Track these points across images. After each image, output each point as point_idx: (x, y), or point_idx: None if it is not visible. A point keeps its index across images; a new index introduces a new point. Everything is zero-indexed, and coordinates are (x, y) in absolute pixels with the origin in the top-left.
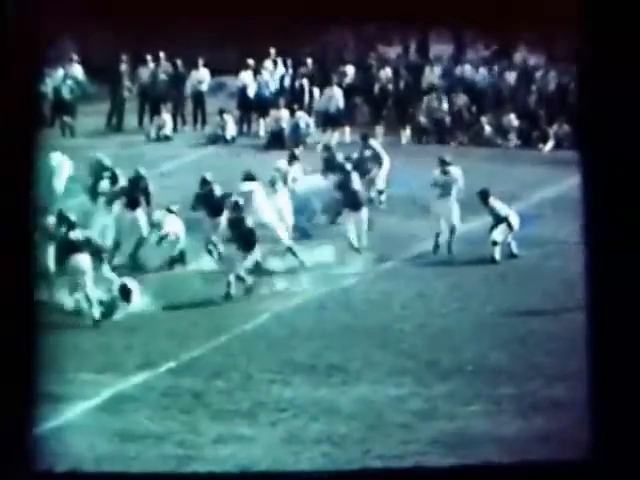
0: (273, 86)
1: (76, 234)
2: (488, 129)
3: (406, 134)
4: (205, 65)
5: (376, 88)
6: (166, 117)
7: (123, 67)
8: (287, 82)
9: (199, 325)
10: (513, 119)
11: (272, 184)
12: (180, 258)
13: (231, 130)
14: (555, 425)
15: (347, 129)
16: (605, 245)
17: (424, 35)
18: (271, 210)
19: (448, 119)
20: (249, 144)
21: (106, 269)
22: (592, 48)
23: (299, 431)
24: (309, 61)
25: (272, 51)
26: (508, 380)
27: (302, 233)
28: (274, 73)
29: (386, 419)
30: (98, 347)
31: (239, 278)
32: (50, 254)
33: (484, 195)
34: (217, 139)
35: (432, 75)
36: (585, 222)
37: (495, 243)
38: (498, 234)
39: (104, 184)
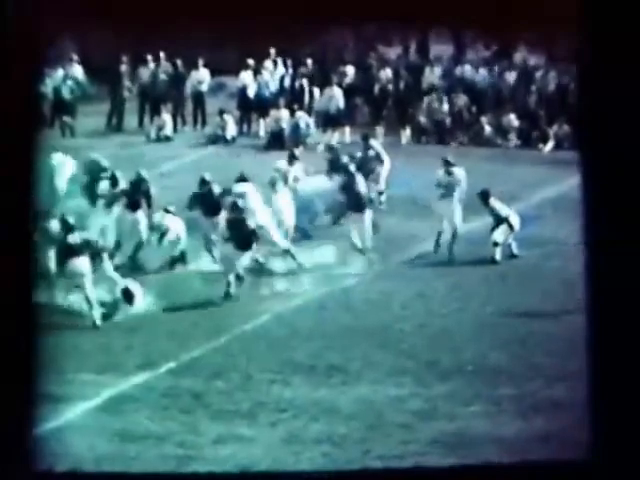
0: (273, 86)
1: (74, 237)
2: (488, 129)
3: (406, 134)
4: (205, 65)
5: (376, 88)
6: (166, 117)
7: (123, 67)
8: (287, 82)
9: (199, 325)
10: (513, 119)
11: (272, 184)
12: (181, 258)
13: (231, 130)
14: (555, 425)
15: (347, 129)
16: (605, 245)
17: (424, 35)
18: (266, 212)
19: (448, 119)
20: (249, 144)
21: (109, 269)
22: (592, 48)
23: (299, 431)
24: (309, 61)
25: (272, 51)
26: (508, 380)
27: (303, 234)
28: (274, 73)
29: (386, 419)
30: (98, 347)
31: (238, 277)
32: (51, 255)
33: (485, 196)
34: (217, 139)
35: (432, 75)
36: (585, 222)
37: (496, 244)
38: (499, 235)
39: (103, 185)
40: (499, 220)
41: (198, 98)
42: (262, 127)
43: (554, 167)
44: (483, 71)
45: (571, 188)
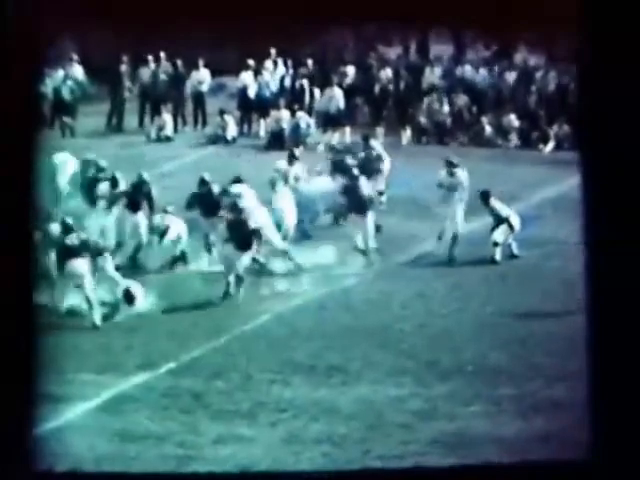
0: (273, 86)
1: (72, 238)
2: (488, 129)
3: (406, 135)
4: (205, 65)
5: (376, 88)
6: (166, 117)
7: (123, 67)
8: (287, 82)
9: (199, 325)
10: (513, 119)
11: (272, 185)
12: (182, 257)
13: (231, 130)
14: (555, 425)
15: (347, 129)
16: (605, 245)
17: (424, 35)
18: (263, 213)
19: (449, 120)
20: (249, 144)
21: (110, 269)
22: (592, 48)
23: (299, 431)
24: (309, 61)
25: (272, 51)
26: (508, 380)
27: (303, 234)
28: (274, 73)
29: (386, 419)
30: (98, 348)
31: (238, 278)
32: (51, 256)
33: (485, 196)
34: (217, 139)
35: (432, 75)
36: (585, 222)
37: (496, 244)
38: (499, 235)
39: (104, 187)
40: (499, 220)
41: (198, 98)
42: (262, 127)
43: (554, 167)
44: (483, 71)
45: (571, 188)
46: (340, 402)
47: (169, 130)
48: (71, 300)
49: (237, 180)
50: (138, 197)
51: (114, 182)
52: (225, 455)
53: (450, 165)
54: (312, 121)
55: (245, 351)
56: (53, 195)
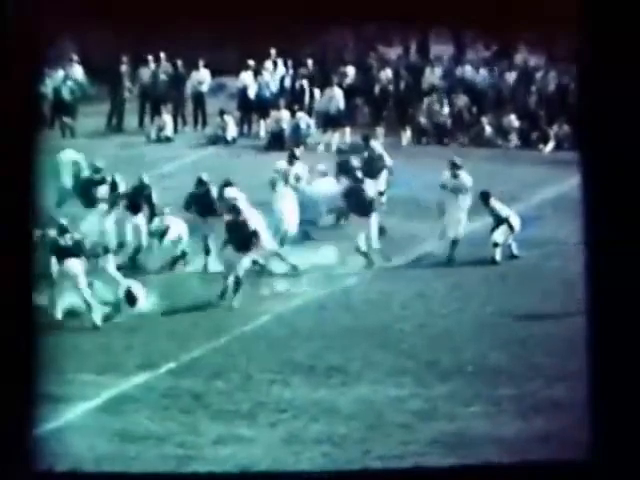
0: (273, 87)
1: (66, 238)
2: (488, 130)
3: (406, 135)
4: (205, 66)
5: (376, 89)
6: (166, 118)
7: (123, 67)
8: (287, 83)
9: (199, 326)
10: (514, 120)
11: (272, 185)
12: (182, 257)
13: (232, 131)
14: (555, 425)
15: (347, 130)
16: (605, 245)
17: (424, 35)
18: (255, 215)
19: (449, 121)
20: (249, 145)
21: (112, 270)
22: (592, 48)
23: (299, 431)
24: (309, 62)
25: (272, 52)
26: (508, 381)
27: (304, 234)
28: (274, 74)
29: (386, 419)
30: (98, 348)
31: (237, 280)
32: (47, 256)
33: (485, 196)
34: (217, 140)
35: (432, 76)
36: (585, 222)
37: (496, 244)
38: (499, 235)
39: (103, 189)
40: (499, 220)
41: (198, 99)
42: (262, 128)
43: (554, 167)
44: (483, 71)
45: (571, 188)
46: (340, 402)
47: (169, 130)
48: (69, 301)
49: (227, 183)
50: (138, 200)
51: (114, 185)
52: (225, 455)
53: (454, 167)
54: (312, 121)
55: (245, 351)
56: (58, 193)
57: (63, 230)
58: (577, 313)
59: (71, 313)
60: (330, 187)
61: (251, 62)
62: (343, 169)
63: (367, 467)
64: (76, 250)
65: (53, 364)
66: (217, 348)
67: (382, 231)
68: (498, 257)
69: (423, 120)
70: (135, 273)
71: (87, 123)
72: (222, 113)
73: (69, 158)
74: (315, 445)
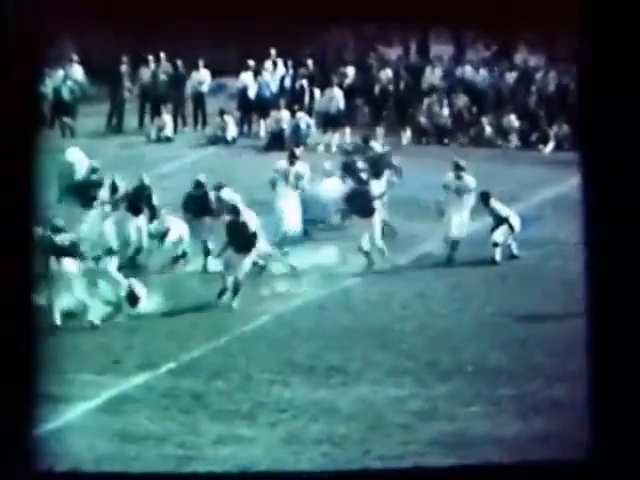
0: (274, 87)
1: (62, 238)
2: (489, 130)
3: (406, 135)
4: (205, 66)
5: (376, 89)
6: (166, 118)
7: (123, 68)
8: (287, 83)
9: (199, 326)
10: (513, 120)
11: (272, 185)
12: (183, 256)
13: (231, 131)
14: (555, 425)
15: (347, 130)
16: (605, 245)
17: (424, 35)
18: (253, 217)
19: (449, 121)
20: (250, 145)
21: (113, 271)
22: (592, 48)
23: (299, 431)
24: (309, 62)
25: (272, 52)
26: (508, 381)
27: (305, 234)
28: (274, 74)
29: (386, 420)
30: (98, 348)
31: (236, 285)
32: (47, 256)
33: (485, 197)
34: (217, 140)
35: (432, 76)
36: (585, 222)
37: (496, 244)
38: (499, 235)
39: (103, 193)
40: (499, 221)
41: (198, 99)
42: (262, 128)
43: (554, 168)
44: (483, 72)
45: (571, 188)
46: (340, 402)
47: (169, 131)
48: (66, 301)
49: (219, 186)
50: (139, 201)
51: (114, 187)
52: (225, 455)
53: (458, 168)
54: (312, 121)
55: (245, 351)
56: (58, 193)
57: (58, 230)
58: (577, 313)
59: (69, 313)
60: (336, 187)
61: (251, 62)
62: (348, 170)
63: (367, 467)
64: (71, 250)
65: (53, 364)
66: (217, 348)
67: (392, 231)
68: (498, 257)
69: (423, 120)
70: (135, 273)
71: (87, 123)
72: (222, 113)
73: (72, 158)
74: (315, 445)
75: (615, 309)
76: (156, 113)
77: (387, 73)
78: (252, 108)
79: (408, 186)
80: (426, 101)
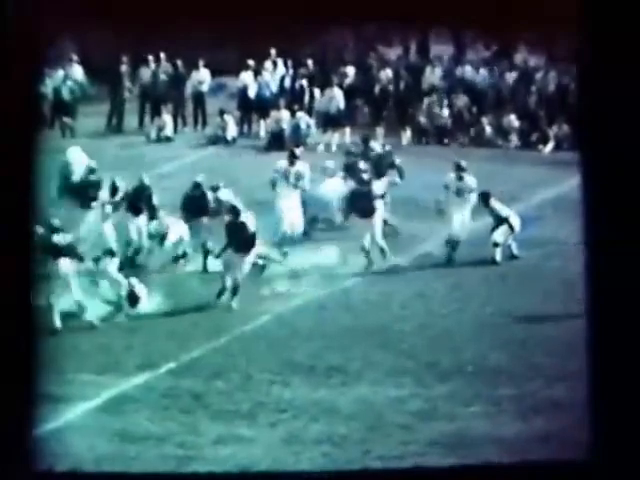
0: (273, 87)
1: (58, 238)
2: (489, 130)
3: (406, 135)
4: (205, 66)
5: (376, 89)
6: (166, 118)
7: (123, 67)
8: (287, 83)
9: (199, 326)
10: (513, 120)
11: (273, 185)
12: (183, 256)
13: (231, 131)
14: (555, 425)
15: (347, 130)
16: (605, 245)
17: (424, 35)
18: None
19: (449, 121)
20: (250, 145)
21: (113, 272)
22: (592, 48)
23: (299, 431)
24: (309, 62)
25: (272, 52)
26: (508, 381)
27: (306, 234)
28: (274, 74)
29: (386, 420)
30: (98, 348)
31: (235, 287)
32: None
33: (485, 197)
34: (217, 140)
35: (432, 76)
36: (585, 222)
37: (496, 244)
38: (499, 235)
39: (103, 194)
40: (499, 221)
41: (198, 98)
42: (262, 128)
43: (554, 168)
44: (483, 71)
45: (571, 189)
46: (340, 402)
47: (169, 130)
48: (65, 302)
49: (216, 188)
50: (139, 201)
51: (114, 188)
52: (225, 455)
53: (459, 169)
54: (312, 121)
55: (245, 351)
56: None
57: (54, 230)
58: (577, 313)
59: (68, 314)
60: (339, 187)
61: (251, 62)
62: (350, 170)
63: (367, 467)
64: (68, 250)
65: (53, 364)
66: (217, 348)
67: (394, 231)
68: (498, 257)
69: (423, 120)
70: (135, 273)
71: (87, 123)
72: (222, 113)
73: (73, 157)
74: (315, 445)
75: (615, 309)
76: (156, 113)
77: (387, 73)
78: (252, 108)
79: (408, 186)
80: (426, 101)
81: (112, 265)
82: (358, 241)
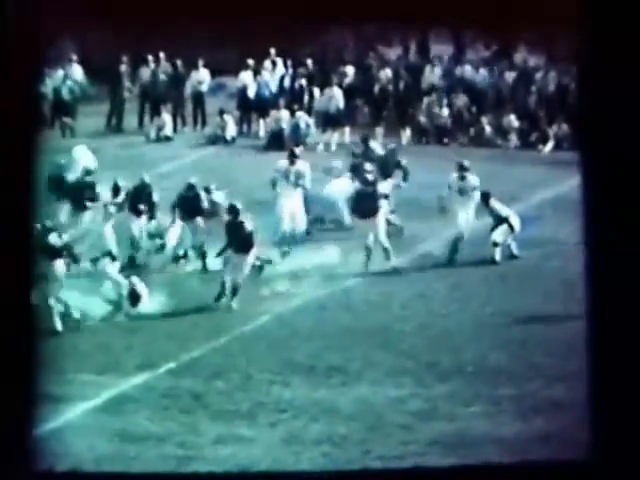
0: (273, 86)
1: (54, 239)
2: (488, 130)
3: (406, 135)
4: (205, 65)
5: (376, 89)
6: (166, 118)
7: (123, 67)
8: (287, 82)
9: (199, 326)
10: (513, 120)
11: (273, 185)
12: (183, 256)
13: (231, 131)
14: (555, 425)
15: (347, 130)
16: (605, 245)
17: (424, 35)
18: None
19: (449, 120)
20: (249, 144)
21: (113, 272)
22: (592, 48)
23: (299, 432)
24: (309, 61)
25: (272, 51)
26: (508, 381)
27: (307, 234)
28: (274, 73)
29: (386, 420)
30: (98, 348)
31: (235, 288)
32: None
33: (485, 197)
34: (217, 140)
35: (432, 76)
36: (585, 222)
37: (496, 244)
38: (499, 235)
39: (105, 195)
40: (499, 220)
41: (198, 98)
42: (262, 127)
43: (554, 168)
44: (483, 71)
45: (571, 188)
46: (340, 402)
47: (169, 130)
48: (61, 302)
49: (208, 190)
50: (140, 200)
51: (116, 189)
52: (225, 455)
53: (462, 169)
54: (312, 121)
55: (245, 351)
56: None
57: (49, 230)
58: (577, 313)
59: (64, 314)
60: (345, 187)
61: (251, 62)
62: (356, 171)
63: (367, 467)
64: (63, 251)
65: (53, 364)
66: (217, 348)
67: (397, 231)
68: (498, 257)
69: (423, 120)
70: (135, 273)
71: (87, 123)
72: (222, 113)
73: (77, 156)
74: (315, 445)
75: (615, 309)
76: (156, 113)
77: (387, 73)
78: (252, 107)
79: (408, 186)
80: (426, 101)
81: (112, 267)
82: (360, 241)
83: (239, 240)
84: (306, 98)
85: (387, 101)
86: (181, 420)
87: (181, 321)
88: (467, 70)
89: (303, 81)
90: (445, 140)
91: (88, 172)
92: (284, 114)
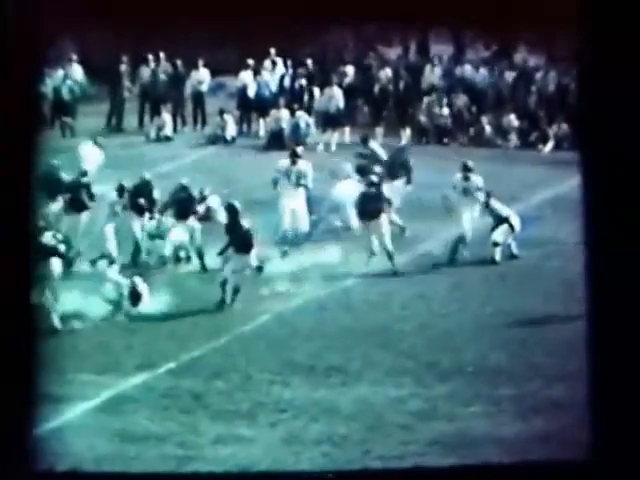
0: (273, 86)
1: (48, 237)
2: (488, 129)
3: (406, 135)
4: (205, 65)
5: (376, 88)
6: (166, 117)
7: (123, 67)
8: (287, 82)
9: (199, 326)
10: (513, 119)
11: (274, 184)
12: (184, 257)
13: (231, 130)
14: (555, 425)
15: (347, 129)
16: (605, 245)
17: (424, 35)
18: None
19: (449, 120)
20: (249, 144)
21: (113, 272)
22: (592, 48)
23: (299, 431)
24: (309, 61)
25: (272, 51)
26: (508, 381)
27: (308, 234)
28: (274, 73)
29: (386, 420)
30: (98, 348)
31: (235, 289)
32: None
33: (485, 197)
34: (217, 139)
35: (432, 75)
36: (585, 222)
37: (496, 244)
38: (499, 235)
39: (110, 195)
40: (499, 220)
41: (198, 98)
42: (262, 127)
43: (554, 167)
44: (483, 71)
45: (571, 188)
46: (340, 402)
47: (169, 130)
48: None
49: (203, 197)
50: (141, 198)
51: (121, 190)
52: (225, 455)
53: (466, 169)
54: (312, 121)
55: (245, 351)
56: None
57: (45, 230)
58: (577, 313)
59: (63, 314)
60: (352, 189)
61: (251, 61)
62: (362, 173)
63: (367, 467)
64: (59, 251)
65: (53, 364)
66: (217, 348)
67: (400, 230)
68: (498, 257)
69: (423, 120)
70: (135, 273)
71: (87, 123)
72: (222, 112)
73: (82, 153)
74: (315, 445)
75: (615, 309)
76: (156, 113)
77: (387, 73)
78: (252, 107)
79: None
80: (426, 100)
81: (111, 269)
82: (362, 242)
83: (239, 240)
84: (306, 98)
85: (387, 101)
86: (181, 420)
87: (181, 321)
88: (467, 70)
89: (303, 81)
90: (445, 140)
91: (84, 173)
92: (284, 114)
